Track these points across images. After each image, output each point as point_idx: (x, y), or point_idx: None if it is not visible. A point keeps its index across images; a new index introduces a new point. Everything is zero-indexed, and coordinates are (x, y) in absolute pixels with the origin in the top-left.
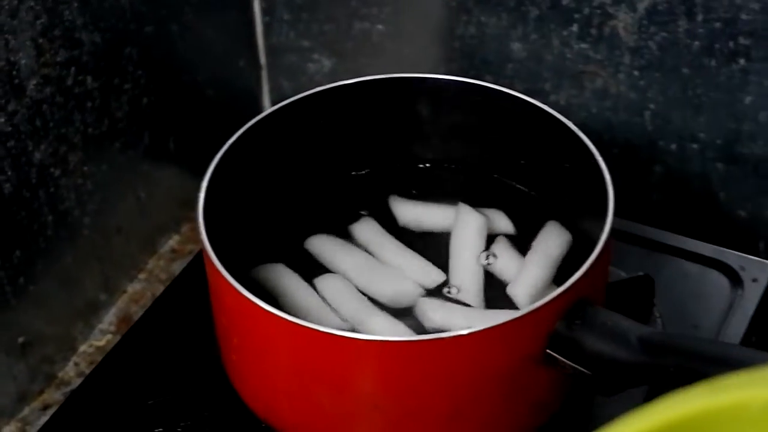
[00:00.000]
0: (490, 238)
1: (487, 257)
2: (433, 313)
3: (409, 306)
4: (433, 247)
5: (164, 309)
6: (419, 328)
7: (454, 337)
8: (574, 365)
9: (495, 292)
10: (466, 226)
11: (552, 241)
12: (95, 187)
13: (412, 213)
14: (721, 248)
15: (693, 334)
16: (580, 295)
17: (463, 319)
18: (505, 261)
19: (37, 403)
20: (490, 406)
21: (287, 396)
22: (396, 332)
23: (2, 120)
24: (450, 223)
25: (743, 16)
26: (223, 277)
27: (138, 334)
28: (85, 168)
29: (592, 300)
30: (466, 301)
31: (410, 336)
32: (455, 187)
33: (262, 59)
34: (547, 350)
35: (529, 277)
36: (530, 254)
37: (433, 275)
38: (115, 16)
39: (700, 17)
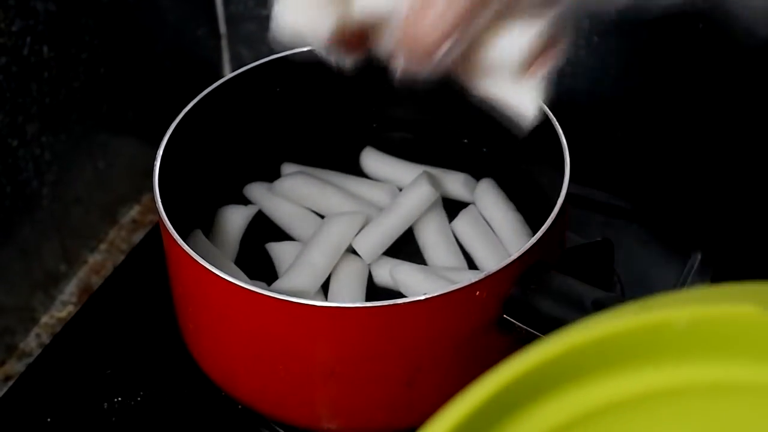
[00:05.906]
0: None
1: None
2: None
3: None
4: None
5: (124, 279)
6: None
7: (410, 302)
8: (529, 330)
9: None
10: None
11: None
12: (53, 157)
13: (383, 169)
14: (681, 214)
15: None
16: (535, 260)
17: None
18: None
19: None
20: (446, 372)
21: (244, 364)
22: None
23: None
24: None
25: None
26: (178, 244)
27: (97, 304)
28: (43, 138)
29: (548, 265)
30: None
31: (365, 302)
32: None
33: (222, 28)
34: (504, 315)
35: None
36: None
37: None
38: None
39: None
